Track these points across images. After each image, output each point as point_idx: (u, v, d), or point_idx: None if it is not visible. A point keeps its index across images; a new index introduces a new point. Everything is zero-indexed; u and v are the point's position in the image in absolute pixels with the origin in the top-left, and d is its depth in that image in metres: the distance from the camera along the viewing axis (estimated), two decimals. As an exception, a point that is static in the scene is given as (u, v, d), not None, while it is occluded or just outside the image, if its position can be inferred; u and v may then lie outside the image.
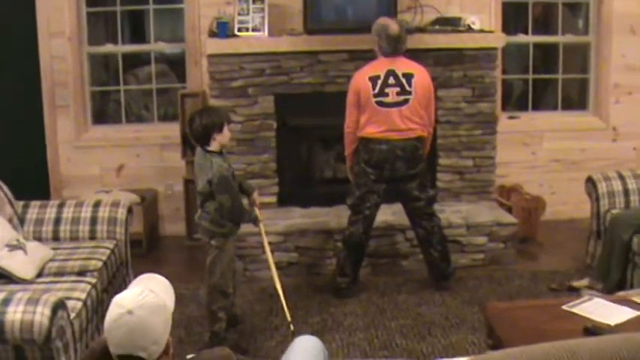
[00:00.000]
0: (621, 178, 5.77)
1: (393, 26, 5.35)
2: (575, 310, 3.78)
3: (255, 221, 4.72)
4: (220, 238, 4.51)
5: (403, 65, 5.36)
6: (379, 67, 5.34)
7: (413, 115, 5.31)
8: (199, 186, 4.49)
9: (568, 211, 7.08)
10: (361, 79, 5.33)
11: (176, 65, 7.22)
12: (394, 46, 5.35)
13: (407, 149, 5.26)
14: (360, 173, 5.36)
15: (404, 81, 5.31)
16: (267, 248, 4.83)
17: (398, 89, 5.30)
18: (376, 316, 5.14)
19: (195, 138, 4.48)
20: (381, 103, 5.28)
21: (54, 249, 4.80)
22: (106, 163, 6.93)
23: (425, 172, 5.52)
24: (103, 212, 5.16)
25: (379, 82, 5.29)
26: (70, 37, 6.71)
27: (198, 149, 4.51)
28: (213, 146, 4.43)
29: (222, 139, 4.44)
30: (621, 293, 4.44)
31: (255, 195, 4.78)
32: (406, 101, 5.30)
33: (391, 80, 5.30)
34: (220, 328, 4.58)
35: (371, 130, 5.27)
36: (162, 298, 2.48)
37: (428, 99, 5.41)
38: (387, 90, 5.29)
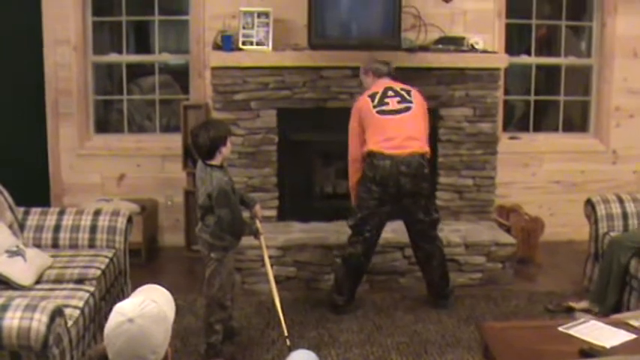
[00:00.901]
0: (620, 201, 5.79)
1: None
2: (571, 332, 3.79)
3: (256, 234, 4.73)
4: (220, 251, 4.52)
5: (399, 84, 5.48)
6: (376, 87, 5.44)
7: (415, 124, 5.35)
8: (200, 199, 4.50)
9: (567, 232, 7.09)
10: (360, 100, 5.44)
11: (180, 77, 7.25)
12: (388, 65, 5.55)
13: (411, 165, 5.21)
14: (364, 194, 5.31)
15: (403, 93, 5.41)
16: (268, 261, 4.83)
17: (398, 99, 5.37)
18: (372, 332, 5.14)
19: (202, 152, 4.45)
20: (381, 112, 5.31)
21: (53, 256, 4.81)
22: (107, 172, 6.95)
23: (431, 194, 5.52)
24: (103, 221, 5.17)
25: (378, 95, 5.37)
26: (75, 46, 6.74)
27: (200, 163, 4.51)
28: (217, 160, 4.43)
29: (226, 151, 4.47)
30: (617, 316, 4.45)
31: (257, 208, 4.80)
32: (408, 109, 5.35)
33: (390, 93, 5.38)
34: (217, 340, 4.58)
35: (374, 140, 5.26)
36: (163, 309, 2.49)
37: (424, 114, 5.46)
38: (386, 100, 5.35)
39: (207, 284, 4.56)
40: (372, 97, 5.37)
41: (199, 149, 4.45)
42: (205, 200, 4.43)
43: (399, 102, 5.35)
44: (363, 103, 5.38)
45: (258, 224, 4.76)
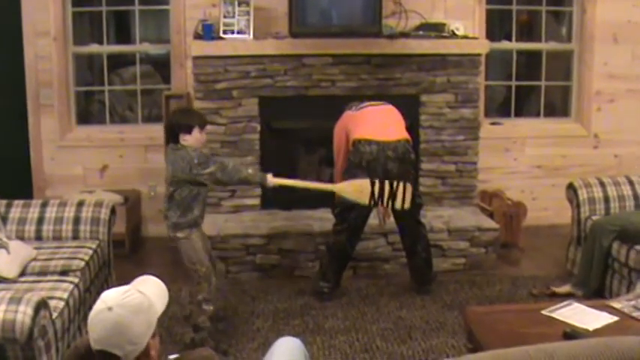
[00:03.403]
0: (602, 184, 5.82)
1: None
2: (554, 315, 3.81)
3: (263, 180, 4.76)
4: (186, 229, 4.53)
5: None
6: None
7: (395, 115, 5.48)
8: (171, 175, 4.53)
9: (549, 217, 7.13)
10: (342, 117, 5.53)
11: (161, 66, 7.23)
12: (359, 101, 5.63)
13: (398, 150, 5.23)
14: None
15: (380, 101, 5.59)
16: (305, 184, 5.10)
17: (376, 102, 5.56)
18: (357, 319, 5.16)
19: (168, 134, 4.59)
20: (361, 108, 5.44)
21: (37, 248, 4.79)
22: (89, 164, 6.93)
23: (416, 179, 5.55)
24: (87, 212, 5.16)
25: (355, 105, 5.51)
26: (56, 37, 6.71)
27: (171, 144, 4.57)
28: (184, 143, 4.49)
29: (191, 140, 4.48)
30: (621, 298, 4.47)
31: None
32: (385, 104, 5.52)
33: (367, 102, 5.53)
34: (204, 322, 4.58)
35: (359, 131, 5.28)
36: (148, 300, 2.48)
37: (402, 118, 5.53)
38: (365, 104, 5.50)
39: (188, 262, 4.59)
40: (350, 108, 5.52)
41: (165, 131, 4.59)
42: (186, 171, 4.45)
43: (376, 104, 5.52)
44: (345, 116, 5.49)
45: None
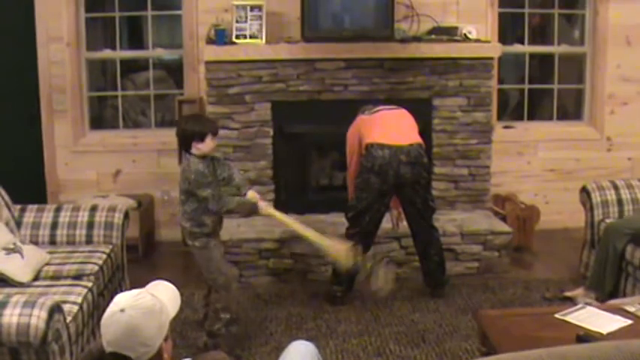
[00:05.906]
0: (615, 187, 5.80)
1: None
2: (567, 318, 3.81)
3: (254, 209, 4.68)
4: (203, 237, 4.53)
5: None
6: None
7: (409, 119, 5.48)
8: (180, 185, 4.54)
9: (562, 220, 7.11)
10: (355, 120, 5.54)
11: (174, 71, 7.25)
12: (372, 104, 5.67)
13: (411, 154, 5.23)
14: (363, 185, 5.29)
15: (393, 105, 5.59)
16: (289, 223, 4.86)
17: (388, 106, 5.56)
18: (370, 322, 5.15)
19: (179, 142, 4.59)
20: (375, 112, 5.45)
21: (50, 253, 4.81)
22: (102, 168, 6.95)
23: (428, 183, 5.54)
24: (100, 217, 5.18)
25: (368, 109, 5.52)
26: (69, 43, 6.73)
27: (184, 153, 4.57)
28: (194, 151, 4.48)
29: (203, 147, 4.47)
30: (613, 301, 4.47)
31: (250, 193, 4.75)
32: (398, 108, 5.53)
33: (380, 106, 5.54)
34: (219, 330, 4.60)
35: (372, 135, 5.29)
36: (160, 303, 2.50)
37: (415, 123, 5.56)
38: (378, 107, 5.51)
39: (206, 272, 4.60)
40: (363, 112, 5.53)
41: (177, 139, 4.59)
42: (186, 185, 4.46)
43: (389, 108, 5.54)
44: (359, 119, 5.51)
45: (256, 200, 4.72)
